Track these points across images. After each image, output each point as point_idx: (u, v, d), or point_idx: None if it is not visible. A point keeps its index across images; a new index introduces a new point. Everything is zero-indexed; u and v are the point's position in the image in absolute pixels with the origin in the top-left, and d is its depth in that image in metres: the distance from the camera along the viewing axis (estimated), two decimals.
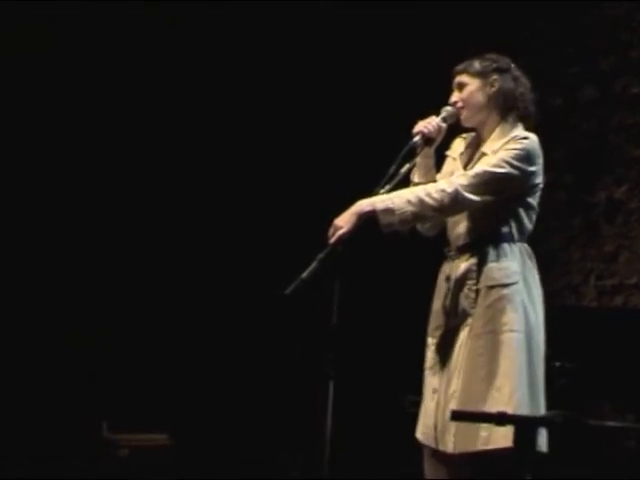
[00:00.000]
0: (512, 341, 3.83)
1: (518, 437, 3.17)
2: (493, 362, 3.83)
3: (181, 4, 6.54)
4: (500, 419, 3.33)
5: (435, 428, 3.94)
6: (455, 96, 4.06)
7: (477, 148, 4.06)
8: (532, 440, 3.24)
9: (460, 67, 4.06)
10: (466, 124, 4.09)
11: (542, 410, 3.84)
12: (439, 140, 4.06)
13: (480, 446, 3.78)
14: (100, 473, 5.65)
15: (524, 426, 3.19)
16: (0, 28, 6.14)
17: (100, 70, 6.42)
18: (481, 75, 4.02)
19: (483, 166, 3.90)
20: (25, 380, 6.01)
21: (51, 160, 6.29)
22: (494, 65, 4.03)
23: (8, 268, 6.15)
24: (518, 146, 3.91)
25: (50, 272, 6.23)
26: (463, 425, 3.81)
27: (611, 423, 3.68)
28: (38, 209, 6.26)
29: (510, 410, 3.69)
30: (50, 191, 6.30)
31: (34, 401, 5.98)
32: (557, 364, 4.76)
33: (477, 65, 4.03)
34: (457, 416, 3.67)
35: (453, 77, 4.07)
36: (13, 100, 6.20)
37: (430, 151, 4.05)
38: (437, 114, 4.04)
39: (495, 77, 4.01)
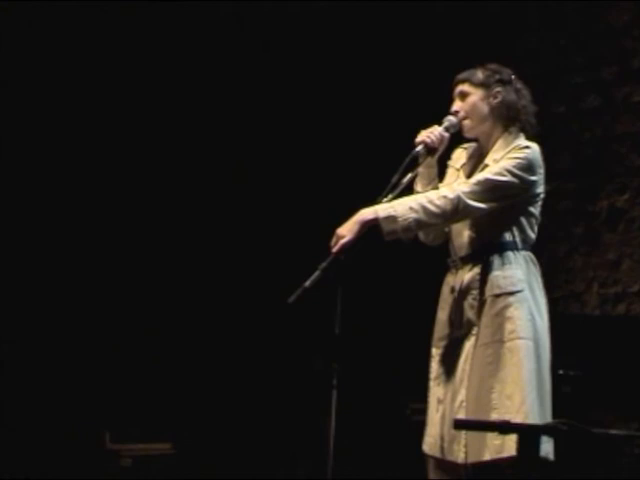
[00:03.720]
0: (520, 348, 3.83)
1: (522, 445, 3.17)
2: (502, 370, 3.83)
3: (181, 4, 6.55)
4: (503, 427, 3.33)
5: (442, 438, 3.93)
6: (457, 105, 4.06)
7: (480, 159, 4.06)
8: (536, 448, 3.23)
9: (462, 76, 4.06)
10: (468, 135, 4.09)
11: (550, 417, 3.84)
12: (442, 150, 4.06)
13: (493, 455, 3.78)
14: None
15: (528, 434, 3.20)
16: (0, 28, 6.17)
17: (100, 70, 6.43)
18: (484, 86, 4.02)
19: (485, 174, 3.91)
20: (28, 391, 6.00)
21: (52, 161, 6.29)
22: (497, 76, 4.03)
23: (10, 277, 6.15)
24: (520, 155, 3.92)
25: (53, 282, 6.23)
26: (474, 435, 3.81)
27: (614, 431, 3.67)
28: (38, 211, 6.26)
29: (520, 418, 3.71)
30: (52, 193, 6.30)
31: (37, 412, 5.98)
32: (560, 372, 4.76)
33: (480, 75, 4.03)
34: (460, 425, 3.67)
35: (455, 86, 4.08)
36: (13, 100, 6.21)
37: (433, 160, 4.05)
38: (439, 123, 4.04)
39: (498, 89, 4.02)
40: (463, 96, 4.04)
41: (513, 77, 4.06)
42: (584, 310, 6.13)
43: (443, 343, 4.00)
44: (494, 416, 3.77)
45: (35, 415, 5.97)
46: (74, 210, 6.33)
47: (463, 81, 4.05)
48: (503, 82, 4.03)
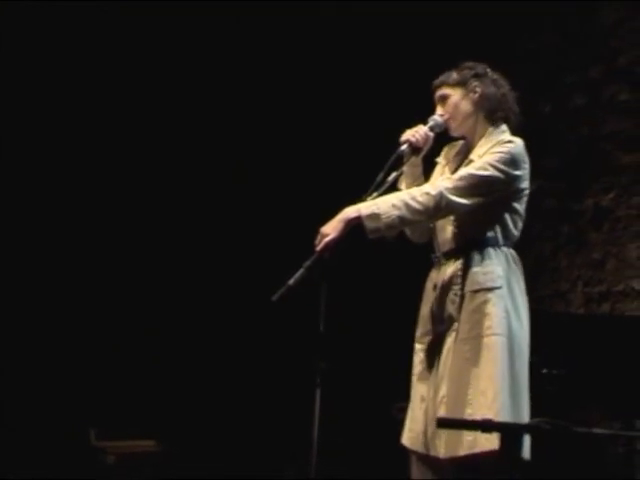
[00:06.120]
0: (495, 344, 3.83)
1: (504, 444, 3.17)
2: (478, 366, 3.83)
3: (180, 4, 6.55)
4: (486, 426, 3.33)
5: (425, 434, 3.94)
6: (439, 110, 4.07)
7: (466, 155, 4.06)
8: (518, 446, 3.24)
9: (438, 81, 4.08)
10: (456, 134, 4.10)
11: (525, 415, 3.83)
12: (426, 149, 4.06)
13: (466, 450, 3.78)
14: None
15: (510, 433, 3.20)
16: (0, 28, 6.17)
17: (100, 71, 6.44)
18: (461, 84, 4.04)
19: (468, 169, 3.91)
20: (13, 389, 6.00)
21: (52, 161, 6.30)
22: (472, 72, 4.05)
23: (6, 275, 6.15)
24: (503, 150, 3.92)
25: (44, 279, 6.23)
26: (451, 430, 3.82)
27: (598, 430, 3.67)
28: (38, 211, 6.27)
29: (492, 414, 3.70)
30: (52, 193, 6.32)
31: (22, 410, 5.98)
32: (545, 371, 4.76)
33: (455, 75, 4.06)
34: (443, 423, 3.67)
35: (433, 92, 4.09)
36: (13, 100, 6.20)
37: (417, 160, 4.06)
38: (424, 123, 4.05)
39: (475, 83, 4.04)
40: (444, 99, 4.06)
41: (488, 70, 4.08)
42: (569, 309, 6.14)
43: (426, 338, 4.01)
44: (468, 411, 3.78)
45: (20, 412, 5.97)
46: (74, 210, 6.35)
47: (440, 85, 4.07)
48: (479, 76, 4.05)
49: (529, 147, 4.00)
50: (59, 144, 6.33)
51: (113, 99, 6.47)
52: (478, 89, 4.03)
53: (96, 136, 6.46)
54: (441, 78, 4.07)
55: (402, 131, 4.04)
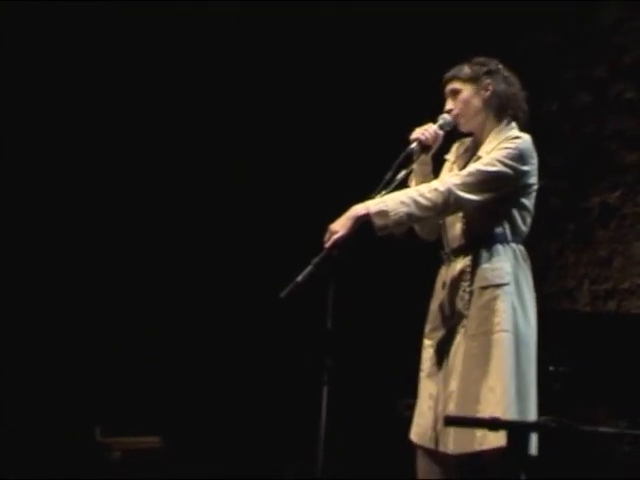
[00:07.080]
0: (503, 341, 3.83)
1: (511, 441, 3.17)
2: (487, 363, 3.83)
3: (180, 4, 6.55)
4: (493, 424, 3.33)
5: (434, 429, 3.94)
6: (449, 104, 4.07)
7: (474, 152, 4.07)
8: (525, 444, 3.24)
9: (450, 74, 4.07)
10: (464, 129, 4.10)
11: (532, 413, 3.84)
12: (436, 147, 4.06)
13: (476, 447, 3.79)
14: (93, 476, 5.65)
15: (517, 431, 3.20)
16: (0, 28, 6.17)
17: (100, 71, 6.44)
18: (473, 80, 4.03)
19: (476, 165, 3.92)
20: (18, 385, 6.00)
21: (52, 161, 6.30)
22: (485, 68, 4.05)
23: (4, 272, 6.15)
24: (511, 145, 3.92)
25: (45, 277, 6.23)
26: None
27: (604, 429, 3.68)
28: (38, 211, 6.27)
29: (500, 411, 3.71)
30: (52, 193, 6.32)
31: (27, 406, 5.98)
32: (551, 368, 4.77)
33: (468, 70, 4.05)
34: (450, 421, 3.68)
35: (444, 85, 4.08)
36: (13, 100, 6.20)
37: (427, 158, 4.06)
38: (434, 121, 4.05)
39: (487, 80, 4.03)
40: (454, 94, 4.05)
41: (500, 66, 4.07)
42: (575, 306, 6.15)
43: (435, 334, 4.01)
44: (479, 408, 3.78)
45: (26, 409, 5.97)
46: (74, 210, 6.35)
47: (452, 79, 4.06)
48: (491, 73, 4.04)
49: (535, 145, 4.00)
50: (59, 144, 6.33)
51: (113, 99, 6.47)
52: (490, 87, 4.02)
53: (96, 136, 6.46)
54: (453, 72, 4.06)
55: (411, 129, 4.04)
